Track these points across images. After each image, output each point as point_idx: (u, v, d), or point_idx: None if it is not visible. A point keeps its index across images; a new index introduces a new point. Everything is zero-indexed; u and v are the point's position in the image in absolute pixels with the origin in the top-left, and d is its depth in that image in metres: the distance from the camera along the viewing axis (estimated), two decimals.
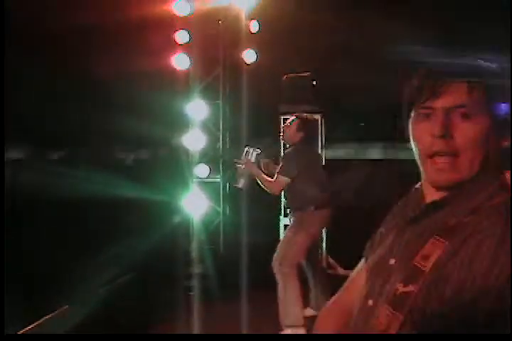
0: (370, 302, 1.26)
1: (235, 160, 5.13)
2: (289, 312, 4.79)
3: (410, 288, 1.14)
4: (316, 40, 7.79)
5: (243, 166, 4.96)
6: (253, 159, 4.95)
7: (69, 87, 7.74)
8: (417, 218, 1.26)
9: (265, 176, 4.91)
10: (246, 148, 5.02)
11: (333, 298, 1.62)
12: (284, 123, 5.32)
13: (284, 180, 4.82)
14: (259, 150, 5.02)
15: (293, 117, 5.19)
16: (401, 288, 1.16)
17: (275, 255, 4.95)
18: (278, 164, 5.01)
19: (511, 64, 1.25)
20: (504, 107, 1.19)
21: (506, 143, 1.20)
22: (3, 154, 5.67)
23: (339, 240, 6.75)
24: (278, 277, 4.88)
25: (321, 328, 1.56)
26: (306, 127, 5.14)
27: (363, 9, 7.51)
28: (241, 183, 5.05)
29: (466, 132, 1.18)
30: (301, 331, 4.69)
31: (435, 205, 1.24)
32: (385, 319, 1.17)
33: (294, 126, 5.07)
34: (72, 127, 7.81)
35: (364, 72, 7.92)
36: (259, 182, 4.92)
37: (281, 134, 5.34)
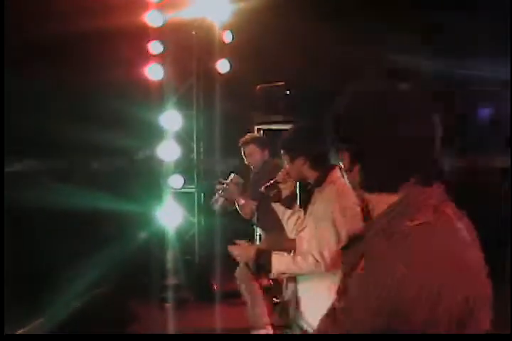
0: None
1: (218, 187, 5.01)
2: (256, 314, 4.76)
3: (339, 304, 1.21)
4: (290, 49, 7.83)
5: (222, 192, 4.89)
6: (233, 187, 4.81)
7: (42, 97, 7.68)
8: (360, 235, 1.32)
9: (241, 200, 4.86)
10: (231, 175, 4.88)
11: None
12: (243, 147, 5.15)
13: (253, 203, 4.82)
14: (239, 178, 4.88)
15: (248, 138, 5.15)
16: (335, 304, 1.24)
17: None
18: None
19: (511, 65, 1.35)
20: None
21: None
22: (2, 162, 5.60)
23: None
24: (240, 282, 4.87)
25: None
26: (268, 146, 5.11)
27: (337, 19, 7.58)
28: (217, 206, 5.00)
29: None
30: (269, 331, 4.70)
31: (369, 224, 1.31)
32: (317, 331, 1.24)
33: (255, 152, 5.03)
34: (44, 138, 7.74)
35: (338, 82, 7.99)
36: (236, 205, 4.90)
37: (246, 160, 5.18)
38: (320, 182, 2.97)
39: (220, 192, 4.89)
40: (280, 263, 2.92)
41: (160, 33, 6.53)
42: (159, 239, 6.60)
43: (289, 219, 3.22)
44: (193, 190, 6.93)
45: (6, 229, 5.37)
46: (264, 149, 5.05)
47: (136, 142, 7.41)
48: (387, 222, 1.22)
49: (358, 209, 3.01)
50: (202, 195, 6.95)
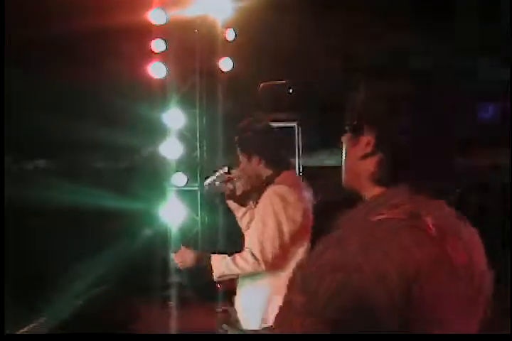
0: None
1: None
2: None
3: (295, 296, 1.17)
4: (292, 47, 7.83)
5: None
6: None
7: (46, 96, 7.68)
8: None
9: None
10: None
11: None
12: None
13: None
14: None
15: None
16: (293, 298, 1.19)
17: None
18: None
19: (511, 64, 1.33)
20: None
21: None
22: (3, 162, 5.60)
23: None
24: None
25: None
26: None
27: (342, 16, 7.57)
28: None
29: None
30: None
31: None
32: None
33: None
34: (48, 137, 7.75)
35: (341, 80, 7.98)
36: None
37: None
38: (272, 180, 2.98)
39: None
40: (220, 265, 2.89)
41: (162, 31, 6.52)
42: (162, 237, 6.60)
43: (241, 218, 3.23)
44: (196, 188, 6.92)
45: (9, 227, 5.39)
46: None
47: (139, 140, 7.42)
48: (363, 213, 1.21)
49: (308, 208, 3.01)
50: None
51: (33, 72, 7.52)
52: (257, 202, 3.06)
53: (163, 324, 5.19)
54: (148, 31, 6.51)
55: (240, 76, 6.97)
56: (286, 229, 2.82)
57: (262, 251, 2.80)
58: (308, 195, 3.08)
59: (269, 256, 2.80)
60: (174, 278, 6.42)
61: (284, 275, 2.86)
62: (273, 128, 3.17)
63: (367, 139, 1.24)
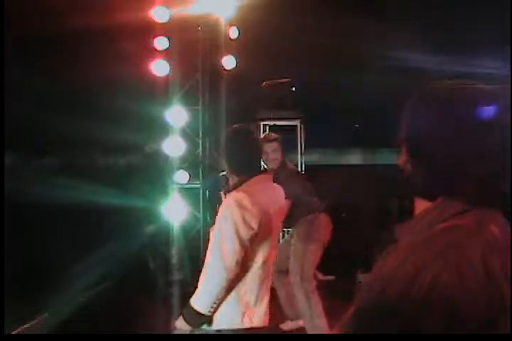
0: None
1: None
2: (316, 325, 4.74)
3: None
4: (295, 46, 7.82)
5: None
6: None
7: (47, 94, 7.69)
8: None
9: None
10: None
11: None
12: (263, 131, 5.26)
13: None
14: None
15: (272, 135, 5.14)
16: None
17: (292, 271, 4.85)
18: None
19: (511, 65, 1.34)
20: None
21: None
22: (2, 157, 5.62)
23: None
24: (299, 294, 4.80)
25: None
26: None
27: (344, 14, 7.56)
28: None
29: None
30: None
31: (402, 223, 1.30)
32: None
33: (279, 150, 5.03)
34: (50, 134, 7.75)
35: (343, 79, 7.98)
36: None
37: (267, 157, 5.14)
38: (234, 187, 2.89)
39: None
40: (196, 300, 2.81)
41: (166, 29, 6.54)
42: (164, 234, 6.62)
43: None
44: (199, 185, 6.93)
45: (14, 224, 5.41)
46: (283, 149, 5.08)
47: (141, 138, 7.42)
48: (421, 227, 1.22)
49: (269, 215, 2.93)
50: (207, 190, 6.96)
51: (34, 70, 7.52)
52: None
53: (165, 321, 5.20)
54: (151, 29, 6.52)
55: (243, 74, 6.97)
56: (243, 232, 2.72)
57: (223, 256, 2.74)
58: (273, 198, 2.99)
59: (230, 260, 2.73)
60: (176, 276, 6.44)
61: (245, 280, 2.84)
62: (241, 133, 3.06)
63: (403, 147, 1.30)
